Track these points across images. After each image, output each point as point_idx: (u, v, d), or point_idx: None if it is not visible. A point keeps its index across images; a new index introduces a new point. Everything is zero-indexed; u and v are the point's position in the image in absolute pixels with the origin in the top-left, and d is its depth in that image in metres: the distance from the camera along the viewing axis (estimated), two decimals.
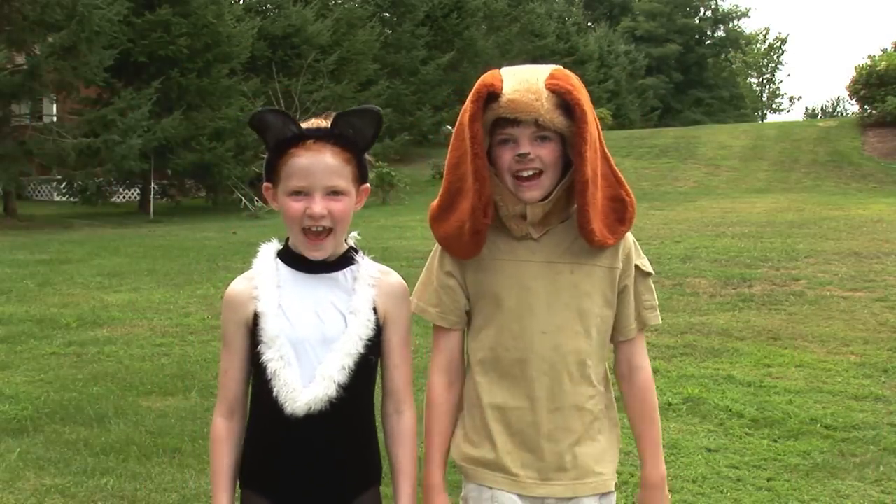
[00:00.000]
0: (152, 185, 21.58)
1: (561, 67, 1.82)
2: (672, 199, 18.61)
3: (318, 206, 1.78)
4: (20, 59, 18.88)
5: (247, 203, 20.67)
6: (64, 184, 20.87)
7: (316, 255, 1.83)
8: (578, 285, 1.87)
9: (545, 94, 1.75)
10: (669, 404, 4.85)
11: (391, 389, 1.92)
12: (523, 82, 1.77)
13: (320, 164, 1.78)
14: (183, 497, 3.75)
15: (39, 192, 25.29)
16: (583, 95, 1.77)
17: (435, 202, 1.93)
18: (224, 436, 1.88)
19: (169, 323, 7.41)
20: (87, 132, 18.84)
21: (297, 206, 1.80)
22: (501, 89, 1.76)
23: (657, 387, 2.10)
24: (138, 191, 23.21)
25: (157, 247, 13.11)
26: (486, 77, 1.79)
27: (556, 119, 1.76)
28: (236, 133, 21.34)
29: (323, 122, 1.83)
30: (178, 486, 3.86)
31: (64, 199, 22.40)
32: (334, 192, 1.80)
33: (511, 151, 1.80)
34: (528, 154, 1.79)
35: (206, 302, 8.31)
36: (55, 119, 21.18)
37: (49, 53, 17.78)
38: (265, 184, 1.88)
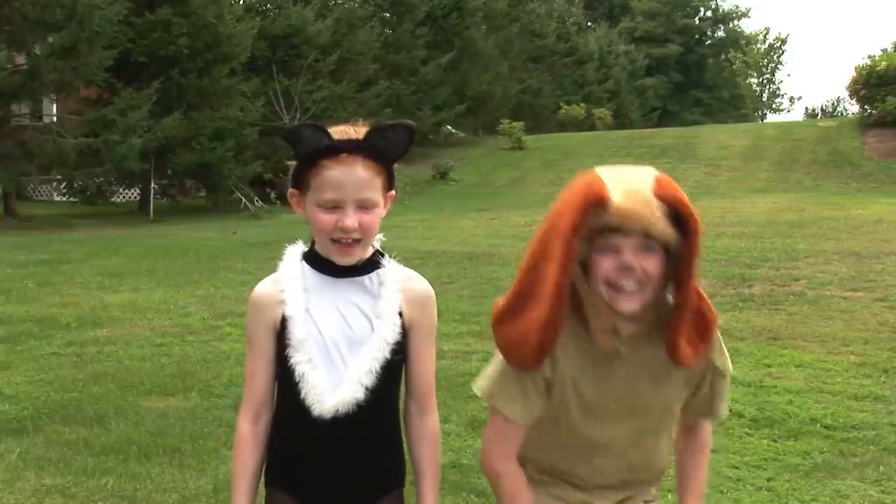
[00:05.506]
0: (152, 185, 21.55)
1: (660, 173, 1.69)
2: None
3: (351, 219, 1.78)
4: (20, 59, 18.87)
5: (247, 203, 20.65)
6: (64, 184, 20.84)
7: (345, 261, 1.84)
8: (657, 402, 1.80)
9: (656, 203, 1.61)
10: None
11: (415, 392, 1.93)
12: (632, 189, 1.63)
13: (352, 177, 1.78)
14: (183, 497, 3.75)
15: (39, 192, 25.25)
16: (692, 205, 1.66)
17: (502, 302, 1.76)
18: (249, 439, 1.90)
19: (169, 323, 7.41)
20: (87, 132, 18.83)
21: (328, 218, 1.80)
22: (609, 198, 1.61)
23: None
24: (138, 191, 23.17)
25: (157, 247, 13.10)
26: (592, 183, 1.63)
27: (667, 231, 1.62)
28: (236, 133, 21.30)
29: (352, 131, 1.81)
30: (178, 486, 3.86)
31: (64, 199, 22.37)
32: (365, 206, 1.80)
33: (613, 261, 1.65)
34: (633, 266, 1.64)
35: (206, 302, 8.31)
36: (55, 119, 21.14)
37: (49, 53, 17.77)
38: (291, 190, 1.87)
